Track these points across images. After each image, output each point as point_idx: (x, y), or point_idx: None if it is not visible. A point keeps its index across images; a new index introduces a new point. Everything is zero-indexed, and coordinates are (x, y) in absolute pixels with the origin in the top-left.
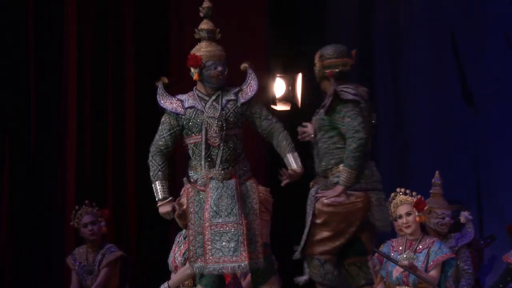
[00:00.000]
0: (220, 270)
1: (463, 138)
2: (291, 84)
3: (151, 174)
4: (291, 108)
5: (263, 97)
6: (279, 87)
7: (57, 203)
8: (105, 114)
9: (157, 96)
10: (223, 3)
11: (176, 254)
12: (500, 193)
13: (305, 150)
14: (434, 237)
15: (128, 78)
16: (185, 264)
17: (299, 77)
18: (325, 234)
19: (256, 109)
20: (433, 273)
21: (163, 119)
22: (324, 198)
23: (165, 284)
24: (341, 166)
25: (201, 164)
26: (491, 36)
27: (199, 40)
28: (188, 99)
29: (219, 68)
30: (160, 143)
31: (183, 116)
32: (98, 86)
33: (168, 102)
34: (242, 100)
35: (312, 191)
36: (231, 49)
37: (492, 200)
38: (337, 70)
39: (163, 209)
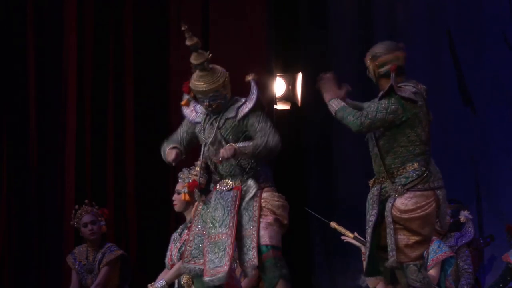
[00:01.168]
0: (214, 282)
1: (461, 137)
2: (291, 84)
3: (162, 149)
4: (291, 107)
5: (264, 99)
6: (279, 86)
7: (57, 202)
8: (104, 113)
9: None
10: (223, 2)
11: (173, 251)
12: (499, 192)
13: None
14: (434, 236)
15: (128, 78)
16: (181, 259)
17: (299, 76)
18: (414, 239)
19: (253, 121)
20: (433, 272)
21: (185, 119)
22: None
23: (162, 281)
24: (408, 166)
25: (213, 176)
26: (489, 36)
27: None
28: (202, 112)
29: (205, 103)
30: (177, 137)
31: (195, 129)
32: (98, 86)
33: (189, 111)
34: (239, 116)
35: (375, 191)
36: (231, 49)
37: (491, 199)
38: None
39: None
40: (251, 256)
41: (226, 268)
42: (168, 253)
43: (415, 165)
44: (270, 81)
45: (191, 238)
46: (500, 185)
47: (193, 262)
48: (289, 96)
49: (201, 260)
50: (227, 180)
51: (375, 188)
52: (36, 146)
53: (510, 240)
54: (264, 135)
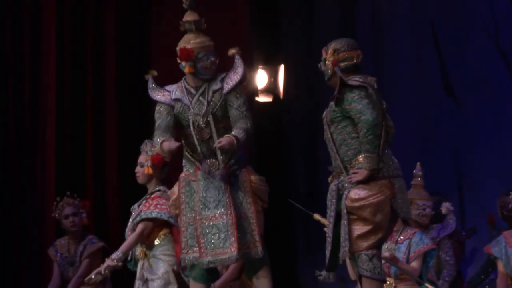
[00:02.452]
0: (215, 263)
1: (444, 129)
2: (273, 76)
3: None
4: (273, 99)
5: (246, 88)
6: (261, 78)
7: (38, 194)
8: (84, 104)
9: (149, 90)
10: None
11: (130, 224)
12: (481, 184)
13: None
14: (416, 228)
15: (108, 68)
16: (134, 229)
17: (281, 68)
18: (365, 228)
19: (232, 97)
20: (415, 264)
21: (158, 107)
22: (353, 180)
23: (118, 253)
24: (360, 157)
25: (192, 156)
26: (472, 29)
27: (184, 32)
28: (176, 90)
29: (212, 59)
30: (162, 125)
31: (174, 108)
32: (78, 76)
33: (160, 95)
34: (226, 89)
35: (333, 186)
36: (213, 41)
37: (473, 191)
38: (352, 63)
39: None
40: (251, 239)
41: (234, 250)
42: (129, 224)
43: None
44: (252, 73)
45: (183, 229)
46: (481, 178)
47: (191, 251)
48: (271, 89)
49: (196, 248)
50: (212, 159)
51: (333, 184)
52: (16, 138)
53: (492, 231)
54: (244, 117)
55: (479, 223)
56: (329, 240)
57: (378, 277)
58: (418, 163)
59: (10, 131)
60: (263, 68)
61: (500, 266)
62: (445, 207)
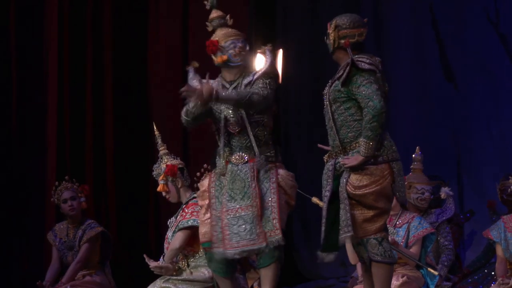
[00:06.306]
0: (239, 254)
1: (443, 113)
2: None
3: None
4: None
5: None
6: (259, 63)
7: (38, 179)
8: (84, 90)
9: (189, 80)
10: None
11: (168, 235)
12: (480, 168)
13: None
14: (414, 212)
15: (107, 54)
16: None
17: (280, 53)
18: (371, 212)
19: (258, 81)
20: (414, 248)
21: None
22: (347, 165)
23: (163, 261)
24: (360, 139)
25: (221, 150)
26: (471, 12)
27: (212, 32)
28: (213, 84)
29: (239, 45)
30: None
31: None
32: (78, 62)
33: (197, 83)
34: (253, 79)
35: (329, 166)
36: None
37: (472, 176)
38: (353, 40)
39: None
40: (272, 227)
41: (262, 241)
42: (168, 235)
43: None
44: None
45: (213, 223)
46: (481, 162)
47: (220, 246)
48: None
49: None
50: (240, 153)
51: (330, 163)
52: (17, 123)
53: (492, 216)
54: (253, 89)
55: (478, 208)
56: (323, 220)
57: (390, 261)
58: (417, 147)
59: (12, 116)
60: (261, 53)
61: (499, 250)
62: (444, 191)
